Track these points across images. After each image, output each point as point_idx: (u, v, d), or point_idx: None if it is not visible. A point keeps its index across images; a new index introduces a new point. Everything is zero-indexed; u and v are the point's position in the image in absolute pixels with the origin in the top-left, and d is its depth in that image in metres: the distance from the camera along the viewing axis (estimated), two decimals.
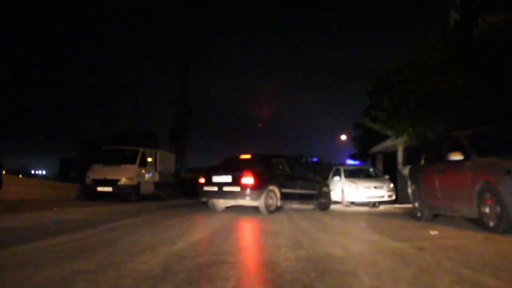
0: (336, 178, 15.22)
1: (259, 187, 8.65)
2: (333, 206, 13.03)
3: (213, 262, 3.29)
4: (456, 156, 5.87)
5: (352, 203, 14.57)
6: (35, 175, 66.25)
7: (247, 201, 8.79)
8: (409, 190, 8.18)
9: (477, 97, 8.91)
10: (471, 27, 9.30)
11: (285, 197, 9.35)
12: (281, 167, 10.11)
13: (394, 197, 14.31)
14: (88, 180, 14.91)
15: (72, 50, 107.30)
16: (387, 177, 15.01)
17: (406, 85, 10.93)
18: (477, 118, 8.71)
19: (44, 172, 73.33)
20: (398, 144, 16.86)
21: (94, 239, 4.71)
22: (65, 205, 11.25)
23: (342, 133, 34.69)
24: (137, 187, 15.09)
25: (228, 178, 8.93)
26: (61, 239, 4.49)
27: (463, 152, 5.83)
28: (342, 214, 9.93)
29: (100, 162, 15.63)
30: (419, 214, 7.47)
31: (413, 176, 7.99)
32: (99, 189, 14.57)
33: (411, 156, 16.24)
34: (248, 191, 8.56)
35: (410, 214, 8.60)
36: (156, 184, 16.99)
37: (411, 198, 8.06)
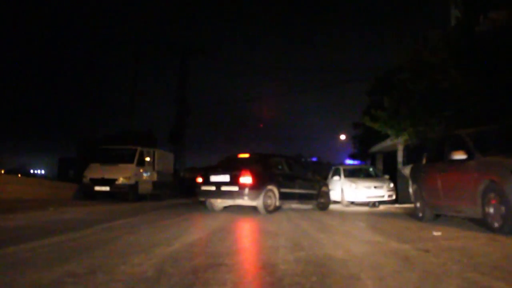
0: (336, 177, 15.10)
1: (258, 186, 8.52)
2: (332, 206, 12.92)
3: (209, 265, 3.16)
4: (459, 155, 5.74)
5: (352, 203, 14.45)
6: (34, 175, 66.18)
7: (245, 201, 8.66)
8: (410, 190, 8.06)
9: (479, 96, 8.78)
10: (473, 24, 9.16)
11: (284, 196, 9.21)
12: (280, 167, 9.98)
13: (394, 197, 14.20)
14: (86, 180, 14.76)
15: (71, 49, 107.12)
16: (387, 176, 14.89)
17: (407, 84, 10.80)
18: (478, 117, 8.58)
19: (43, 172, 73.35)
20: (398, 143, 16.75)
21: (88, 240, 4.57)
22: (62, 204, 11.09)
23: (342, 133, 34.66)
24: (135, 186, 14.95)
25: (226, 178, 8.80)
26: (53, 240, 4.35)
27: (467, 151, 5.70)
28: (342, 214, 9.80)
29: (97, 161, 15.50)
30: (420, 214, 7.34)
31: (415, 176, 7.86)
32: (97, 188, 14.44)
33: (411, 156, 16.13)
34: (246, 190, 8.43)
35: (411, 214, 8.49)
36: (154, 184, 16.84)
37: (412, 198, 7.94)
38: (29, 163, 73.54)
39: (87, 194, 14.89)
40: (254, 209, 8.89)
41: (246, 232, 6.15)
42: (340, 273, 2.85)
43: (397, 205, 14.30)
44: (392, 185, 14.19)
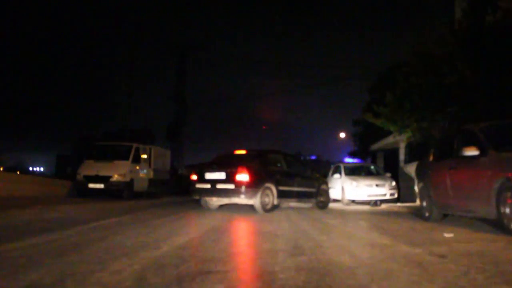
0: (336, 175, 14.71)
1: (255, 184, 8.13)
2: (332, 205, 12.54)
3: (198, 272, 2.77)
4: (471, 151, 5.33)
5: (353, 201, 14.08)
6: (33, 172, 65.89)
7: (242, 199, 8.28)
8: (416, 188, 7.66)
9: (487, 90, 8.36)
10: (482, 14, 8.73)
11: (282, 195, 8.82)
12: (278, 164, 9.58)
13: (396, 196, 13.82)
14: (80, 177, 14.38)
15: (70, 47, 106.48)
16: (389, 174, 14.49)
17: (411, 78, 10.38)
18: (487, 113, 8.17)
19: (41, 169, 73.09)
20: (400, 141, 16.37)
21: (67, 241, 4.17)
22: (52, 202, 10.69)
23: (341, 131, 34.36)
24: (130, 184, 14.56)
25: (221, 175, 8.41)
26: (28, 242, 3.95)
27: (479, 147, 5.29)
28: (343, 213, 9.40)
29: (92, 158, 15.11)
30: (427, 214, 6.94)
31: (421, 174, 7.47)
32: (91, 185, 14.07)
33: (413, 153, 15.77)
34: (243, 188, 8.04)
35: (416, 214, 8.11)
36: (150, 181, 16.48)
37: (418, 197, 7.54)
38: (28, 160, 73.30)
39: (81, 192, 14.52)
40: (251, 207, 8.49)
41: (241, 233, 5.76)
42: (348, 284, 2.45)
43: (399, 204, 13.93)
44: (394, 183, 13.80)
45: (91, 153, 15.67)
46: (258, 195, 8.16)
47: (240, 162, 8.55)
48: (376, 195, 13.41)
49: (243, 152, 9.71)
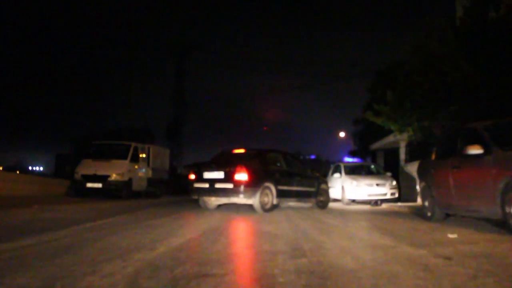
0: (336, 175, 14.56)
1: (254, 184, 8.01)
2: (332, 204, 12.42)
3: (194, 275, 2.65)
4: (475, 150, 5.21)
5: (353, 201, 13.95)
6: (32, 171, 65.79)
7: (240, 199, 8.15)
8: (418, 188, 7.54)
9: (490, 88, 8.23)
10: (485, 11, 8.59)
11: (281, 194, 8.70)
12: (277, 163, 9.45)
13: (397, 195, 13.69)
14: (77, 176, 14.25)
15: (69, 46, 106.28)
16: (389, 174, 14.36)
17: (412, 76, 10.26)
18: (489, 111, 8.04)
19: (41, 168, 72.94)
20: (400, 140, 16.25)
21: (61, 242, 4.04)
22: (50, 202, 10.58)
23: (341, 131, 34.25)
24: (128, 183, 14.45)
25: (220, 174, 8.28)
26: (20, 244, 3.82)
27: (483, 145, 5.18)
28: (343, 213, 9.28)
29: (90, 157, 14.98)
30: (429, 214, 6.83)
31: (423, 173, 7.34)
32: (89, 185, 13.95)
33: (414, 152, 15.65)
34: (241, 188, 7.91)
35: (418, 213, 7.99)
36: (149, 181, 16.36)
37: (419, 196, 7.43)
38: (28, 159, 73.19)
39: (79, 191, 14.39)
40: (250, 207, 8.37)
41: (240, 234, 5.63)
42: None
43: (400, 204, 13.80)
44: (394, 182, 13.67)
45: (89, 152, 15.54)
46: (257, 195, 8.04)
47: (239, 161, 8.43)
48: (377, 195, 13.29)
49: (242, 151, 9.59)
